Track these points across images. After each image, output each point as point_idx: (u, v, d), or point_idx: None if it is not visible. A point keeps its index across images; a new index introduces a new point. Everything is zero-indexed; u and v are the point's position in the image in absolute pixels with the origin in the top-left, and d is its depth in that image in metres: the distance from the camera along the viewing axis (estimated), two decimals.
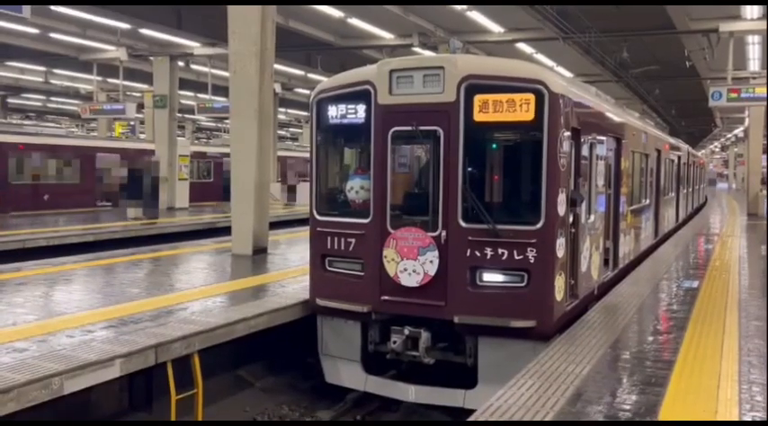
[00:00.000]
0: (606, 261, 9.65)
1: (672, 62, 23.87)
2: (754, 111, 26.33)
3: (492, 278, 6.99)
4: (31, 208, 20.93)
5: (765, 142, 32.88)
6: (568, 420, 4.56)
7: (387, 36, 21.31)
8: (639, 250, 12.42)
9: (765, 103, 19.01)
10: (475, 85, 6.93)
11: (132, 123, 38.00)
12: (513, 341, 6.93)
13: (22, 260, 11.96)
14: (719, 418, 4.63)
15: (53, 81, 32.12)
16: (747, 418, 4.64)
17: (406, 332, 7.21)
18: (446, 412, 7.46)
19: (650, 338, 6.83)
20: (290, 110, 43.52)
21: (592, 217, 8.50)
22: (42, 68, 30.05)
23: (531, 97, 6.75)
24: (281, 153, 34.00)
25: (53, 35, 22.19)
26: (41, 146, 22.49)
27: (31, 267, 10.83)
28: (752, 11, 17.08)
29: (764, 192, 26.59)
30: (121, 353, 5.94)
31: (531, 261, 6.80)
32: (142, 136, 34.14)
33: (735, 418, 4.63)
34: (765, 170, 34.08)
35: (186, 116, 39.50)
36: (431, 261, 7.04)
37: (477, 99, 6.90)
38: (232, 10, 12.21)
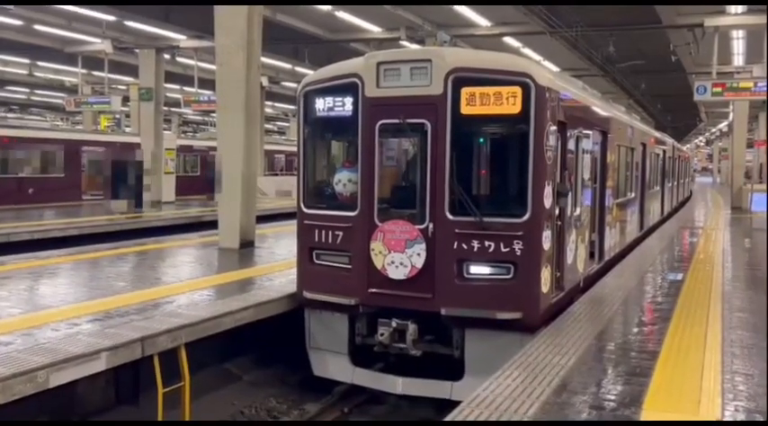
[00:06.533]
0: (592, 254, 9.72)
1: (658, 57, 24.04)
2: (739, 106, 26.57)
3: (479, 270, 7.02)
4: (15, 202, 20.75)
5: (749, 137, 33.21)
6: (554, 411, 4.60)
7: (374, 29, 21.29)
8: (625, 243, 12.51)
9: (749, 98, 19.17)
10: (462, 78, 6.94)
11: (118, 116, 37.73)
12: (500, 333, 6.96)
13: (6, 254, 11.85)
14: (703, 407, 4.68)
15: (37, 73, 31.80)
16: (730, 408, 4.70)
17: (394, 324, 7.23)
18: (433, 404, 7.49)
19: (635, 329, 6.90)
20: (277, 104, 43.40)
21: (578, 210, 8.55)
22: (27, 61, 29.74)
23: (518, 90, 6.77)
24: None
25: (38, 27, 21.96)
26: (26, 140, 22.29)
27: (15, 261, 10.74)
28: (736, 6, 17.23)
29: (748, 186, 26.81)
30: (107, 346, 5.91)
31: (518, 254, 6.83)
32: (128, 129, 33.90)
33: (718, 407, 4.69)
34: (754, 164, 34.38)
35: (172, 109, 39.28)
36: (418, 254, 7.06)
37: (465, 92, 6.91)
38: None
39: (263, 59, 16.73)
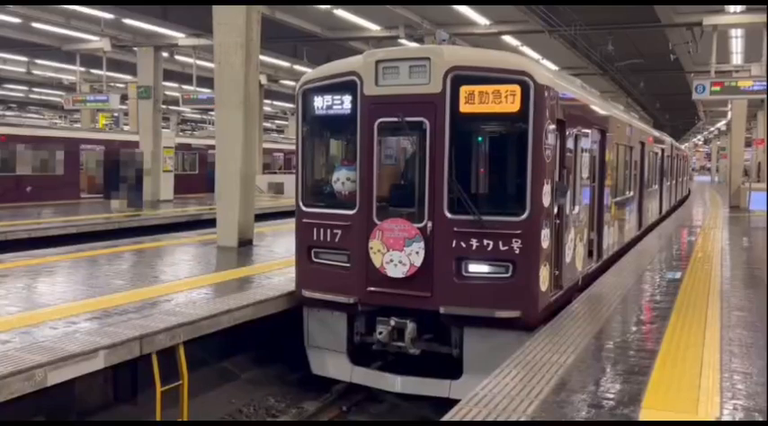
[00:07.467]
0: (590, 253, 9.72)
1: (656, 56, 24.04)
2: (737, 105, 26.56)
3: (478, 269, 7.01)
4: (13, 201, 20.71)
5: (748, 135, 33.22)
6: (553, 410, 4.59)
7: (373, 28, 21.26)
8: (623, 241, 12.52)
9: (747, 97, 19.17)
10: (461, 76, 6.93)
11: (116, 115, 37.66)
12: (499, 332, 6.96)
13: (3, 252, 11.83)
14: (701, 406, 4.68)
15: (35, 71, 31.71)
16: (728, 406, 4.69)
17: (392, 322, 7.23)
18: (432, 403, 7.49)
19: (634, 328, 6.90)
20: (275, 102, 43.34)
21: (576, 209, 8.55)
22: (25, 59, 29.67)
23: (517, 88, 6.77)
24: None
25: (36, 25, 21.90)
26: (24, 138, 22.25)
27: (13, 259, 10.72)
28: (735, 5, 17.23)
29: (747, 185, 26.83)
30: (105, 345, 5.90)
31: (517, 252, 6.83)
32: (126, 127, 33.84)
33: (716, 406, 4.69)
34: (753, 163, 34.40)
35: (171, 107, 39.21)
36: (417, 253, 7.05)
37: (464, 90, 6.90)
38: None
39: (262, 57, 16.70)
